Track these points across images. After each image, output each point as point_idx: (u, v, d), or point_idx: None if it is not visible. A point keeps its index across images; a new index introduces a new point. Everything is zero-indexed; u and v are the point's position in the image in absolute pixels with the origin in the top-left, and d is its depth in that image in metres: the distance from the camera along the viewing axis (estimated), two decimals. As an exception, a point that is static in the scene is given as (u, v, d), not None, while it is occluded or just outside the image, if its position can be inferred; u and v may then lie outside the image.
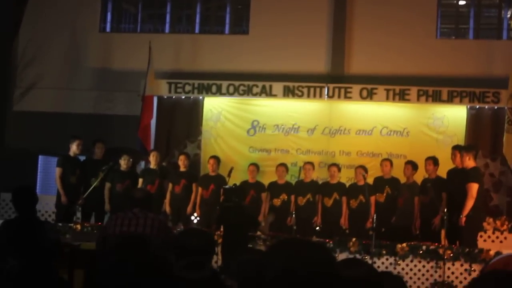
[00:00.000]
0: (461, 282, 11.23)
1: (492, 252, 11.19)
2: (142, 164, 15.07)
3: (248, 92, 15.04)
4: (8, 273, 4.16)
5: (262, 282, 2.61)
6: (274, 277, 2.56)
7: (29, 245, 4.47)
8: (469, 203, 11.73)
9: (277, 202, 13.67)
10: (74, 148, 13.75)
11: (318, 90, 14.76)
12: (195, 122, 15.55)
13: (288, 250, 2.64)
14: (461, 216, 11.66)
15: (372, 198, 13.13)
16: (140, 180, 13.80)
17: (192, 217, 13.86)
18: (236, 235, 10.91)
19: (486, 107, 14.43)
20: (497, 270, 2.91)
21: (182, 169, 14.02)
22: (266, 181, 14.09)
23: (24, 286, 4.05)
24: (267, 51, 15.89)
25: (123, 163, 13.76)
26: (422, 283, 11.48)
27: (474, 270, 11.15)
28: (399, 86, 14.53)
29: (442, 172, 12.85)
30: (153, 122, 15.34)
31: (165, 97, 15.59)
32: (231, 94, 15.14)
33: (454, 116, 14.62)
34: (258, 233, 12.22)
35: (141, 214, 7.67)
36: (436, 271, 11.43)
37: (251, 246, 11.33)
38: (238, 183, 13.14)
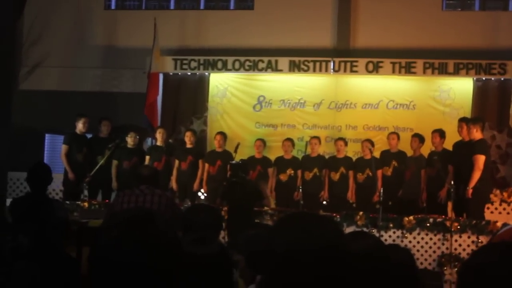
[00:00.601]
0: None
1: (499, 224, 11.16)
2: (149, 141, 15.09)
3: (254, 67, 15.00)
4: (16, 251, 4.18)
5: (269, 256, 2.61)
6: (282, 251, 2.56)
7: (38, 223, 4.49)
8: (476, 175, 11.72)
9: (284, 177, 13.66)
10: (80, 126, 13.76)
11: (324, 64, 14.73)
12: (201, 98, 15.53)
13: (296, 224, 2.63)
14: (468, 188, 11.65)
15: (379, 172, 13.13)
16: (147, 157, 13.80)
17: (199, 194, 13.87)
18: (242, 210, 10.93)
19: (493, 78, 14.36)
20: (503, 241, 2.91)
21: (188, 145, 14.01)
22: (272, 156, 14.08)
23: (32, 263, 4.07)
24: (272, 26, 15.84)
25: (130, 140, 13.77)
26: (430, 255, 11.49)
27: (482, 242, 11.13)
28: (405, 59, 14.48)
29: (449, 144, 12.82)
30: (159, 99, 15.34)
31: (171, 73, 15.58)
32: (237, 70, 15.11)
33: (461, 88, 14.58)
34: (265, 208, 12.25)
35: (148, 191, 7.71)
36: (443, 244, 11.44)
37: (258, 221, 11.34)
38: (244, 159, 13.15)
